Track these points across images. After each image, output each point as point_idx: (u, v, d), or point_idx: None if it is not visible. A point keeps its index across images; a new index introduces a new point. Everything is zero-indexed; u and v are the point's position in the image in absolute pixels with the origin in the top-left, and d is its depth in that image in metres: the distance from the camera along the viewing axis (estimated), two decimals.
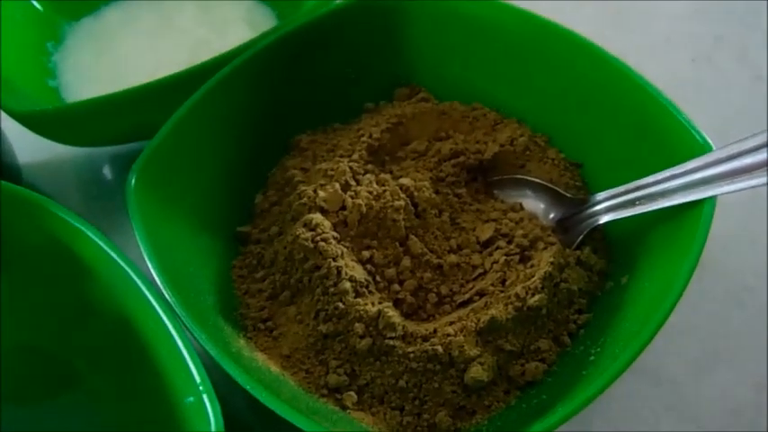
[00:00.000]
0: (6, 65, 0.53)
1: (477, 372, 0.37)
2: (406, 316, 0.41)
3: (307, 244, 0.40)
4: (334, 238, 0.41)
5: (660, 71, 0.46)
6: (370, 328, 0.38)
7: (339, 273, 0.39)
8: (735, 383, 0.44)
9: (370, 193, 0.43)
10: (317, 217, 0.42)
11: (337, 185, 0.43)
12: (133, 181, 0.40)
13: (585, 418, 0.42)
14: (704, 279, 0.45)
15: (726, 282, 0.48)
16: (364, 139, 0.47)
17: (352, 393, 0.38)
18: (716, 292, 0.48)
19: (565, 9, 0.52)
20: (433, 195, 0.44)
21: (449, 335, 0.38)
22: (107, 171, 0.56)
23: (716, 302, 0.47)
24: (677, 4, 0.67)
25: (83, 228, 0.39)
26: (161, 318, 0.35)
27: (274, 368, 0.39)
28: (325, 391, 0.38)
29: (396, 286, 0.42)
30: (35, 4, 0.60)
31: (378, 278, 0.41)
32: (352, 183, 0.44)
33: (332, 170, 0.44)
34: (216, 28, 0.59)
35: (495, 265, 0.42)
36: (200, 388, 0.33)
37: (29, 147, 0.54)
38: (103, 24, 0.62)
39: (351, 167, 0.45)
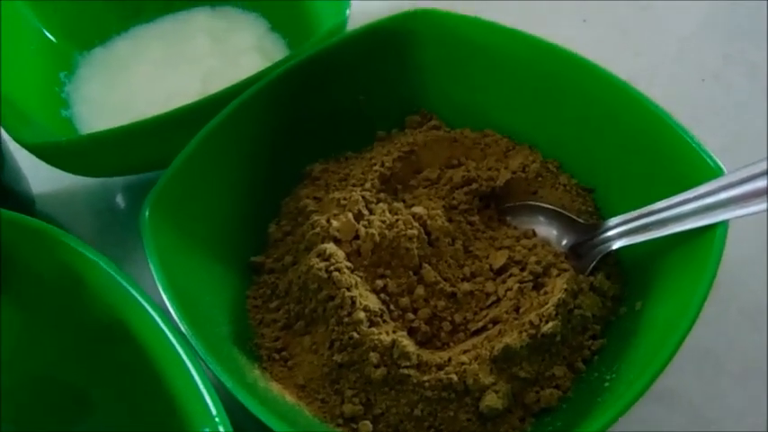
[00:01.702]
0: (20, 95, 0.53)
1: (491, 400, 0.37)
2: (421, 344, 0.41)
3: (321, 274, 0.40)
4: (348, 268, 0.41)
5: (669, 92, 0.47)
6: (385, 358, 0.38)
7: (353, 302, 0.39)
8: (751, 405, 0.44)
9: (383, 222, 0.43)
10: (331, 247, 0.42)
11: (350, 215, 0.43)
12: (147, 212, 0.41)
13: None
14: (718, 300, 0.45)
15: (740, 302, 0.48)
16: (376, 168, 0.47)
17: (368, 423, 0.38)
18: (730, 313, 0.47)
19: (573, 33, 0.52)
20: (446, 223, 0.45)
21: (463, 363, 0.38)
22: (120, 201, 0.57)
23: (730, 324, 0.47)
24: (684, 23, 0.67)
25: (96, 259, 0.38)
26: (176, 349, 0.35)
27: (290, 398, 0.39)
28: (340, 421, 0.38)
29: (410, 315, 0.42)
30: (48, 34, 0.61)
31: (392, 307, 0.41)
32: (365, 212, 0.44)
33: (345, 199, 0.44)
34: (227, 57, 0.59)
35: (508, 293, 0.42)
36: (216, 420, 0.33)
37: (42, 177, 0.54)
38: (115, 54, 0.62)
39: (363, 197, 0.45)
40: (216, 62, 0.59)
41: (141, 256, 0.40)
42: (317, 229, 0.43)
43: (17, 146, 0.49)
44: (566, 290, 0.40)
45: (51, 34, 0.61)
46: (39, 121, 0.53)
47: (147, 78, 0.59)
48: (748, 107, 0.60)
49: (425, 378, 0.38)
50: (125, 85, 0.59)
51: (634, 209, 0.42)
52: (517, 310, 0.41)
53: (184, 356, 0.35)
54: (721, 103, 0.60)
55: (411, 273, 0.43)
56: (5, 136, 0.50)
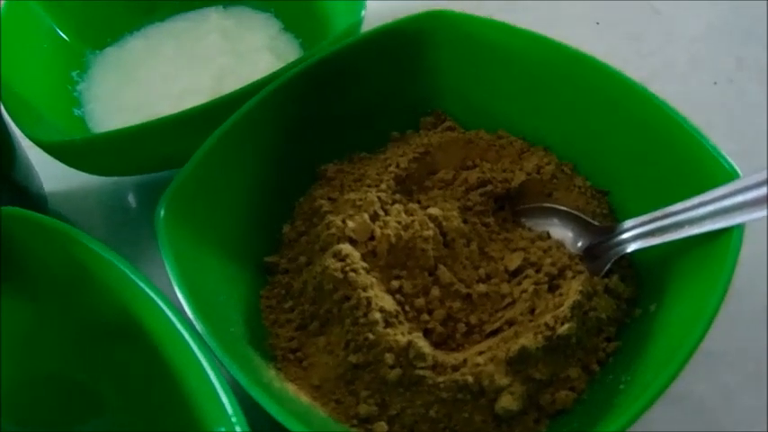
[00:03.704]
0: (33, 94, 0.53)
1: (507, 401, 0.37)
2: (436, 346, 0.40)
3: (336, 275, 0.40)
4: (364, 269, 0.41)
5: (682, 94, 0.46)
6: (401, 359, 0.38)
7: (369, 303, 0.39)
8: (765, 408, 0.44)
9: (399, 223, 0.43)
10: (347, 247, 0.42)
11: (366, 216, 0.43)
12: (162, 212, 0.40)
13: None
14: (732, 302, 0.45)
15: (754, 304, 0.48)
16: (392, 168, 0.47)
17: (383, 423, 0.38)
18: (744, 316, 0.47)
19: (587, 36, 0.52)
20: (462, 225, 0.44)
21: (479, 364, 0.38)
22: (133, 200, 0.57)
23: (745, 326, 0.47)
24: (697, 26, 0.67)
25: (110, 257, 0.38)
26: (191, 347, 0.35)
27: (305, 398, 0.38)
28: (355, 422, 0.38)
29: (425, 316, 0.41)
30: (60, 33, 0.61)
31: (407, 308, 0.41)
32: (381, 213, 0.44)
33: (360, 200, 0.44)
34: (240, 56, 0.59)
35: (523, 294, 0.42)
36: (233, 419, 0.33)
37: (55, 175, 0.54)
38: (127, 53, 0.62)
39: (379, 197, 0.45)
40: (228, 61, 0.59)
41: (154, 254, 0.40)
42: (333, 230, 0.43)
43: (29, 144, 0.49)
44: (581, 292, 0.40)
45: (64, 33, 0.61)
46: (51, 120, 0.54)
47: (160, 77, 0.59)
48: (760, 110, 0.60)
49: (441, 379, 0.37)
50: (137, 84, 0.59)
51: (649, 211, 0.41)
52: (532, 311, 0.41)
53: (200, 355, 0.35)
54: (734, 107, 0.60)
55: (426, 274, 0.43)
56: (18, 134, 0.50)
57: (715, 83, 0.62)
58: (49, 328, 0.41)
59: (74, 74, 0.60)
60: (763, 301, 0.48)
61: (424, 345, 0.39)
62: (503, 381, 0.37)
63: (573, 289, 0.41)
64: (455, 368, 0.38)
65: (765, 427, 0.43)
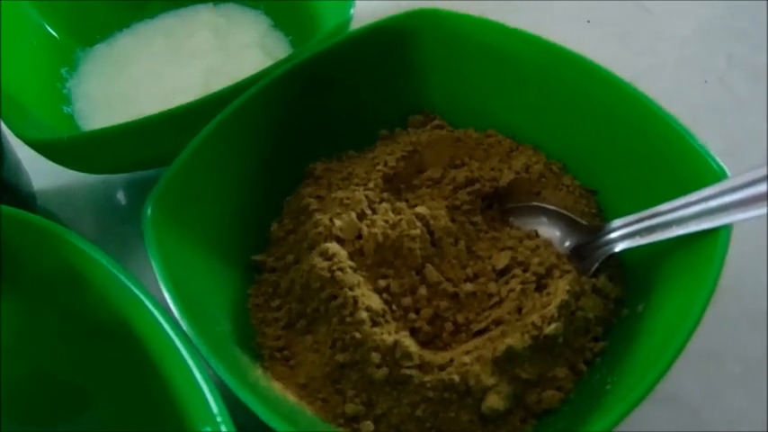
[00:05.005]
0: (21, 91, 0.53)
1: (493, 401, 0.37)
2: (423, 345, 0.40)
3: (323, 273, 0.40)
4: (351, 268, 0.41)
5: (672, 93, 0.46)
6: (387, 358, 0.38)
7: (356, 302, 0.39)
8: (751, 408, 0.44)
9: (387, 221, 0.43)
10: (334, 246, 0.42)
11: (353, 214, 0.43)
12: (149, 210, 0.40)
13: None
14: (720, 302, 0.44)
15: (742, 304, 0.48)
16: (380, 167, 0.47)
17: (369, 423, 0.38)
18: (732, 315, 0.47)
19: (576, 33, 0.52)
20: (449, 224, 0.44)
21: (465, 364, 0.38)
22: (122, 197, 0.56)
23: (732, 326, 0.47)
24: (687, 24, 0.67)
25: (97, 256, 0.38)
26: (177, 347, 0.35)
27: (291, 397, 0.38)
28: (341, 421, 0.38)
29: (412, 315, 0.41)
30: (50, 30, 0.61)
31: (394, 307, 0.41)
32: (368, 212, 0.44)
33: (348, 199, 0.44)
34: (230, 54, 0.59)
35: (511, 294, 0.42)
36: (218, 419, 0.32)
37: (44, 173, 0.54)
38: (117, 50, 0.62)
39: (367, 196, 0.45)
40: (218, 59, 0.59)
41: (142, 253, 0.39)
42: (320, 229, 0.43)
43: (18, 141, 0.49)
44: (568, 291, 0.40)
45: (53, 30, 0.61)
46: (40, 117, 0.53)
47: (149, 75, 0.59)
48: (750, 109, 0.60)
49: (427, 378, 0.37)
50: (127, 82, 0.59)
51: (637, 211, 0.41)
52: (519, 311, 0.41)
53: (186, 355, 0.34)
54: (723, 106, 0.60)
55: (414, 273, 0.43)
56: (6, 131, 0.49)
57: (705, 81, 0.62)
58: (36, 325, 0.41)
59: (63, 71, 0.60)
60: (750, 301, 0.48)
61: (410, 344, 0.39)
62: (489, 380, 0.37)
63: (560, 288, 0.40)
64: (442, 367, 0.38)
65: (752, 428, 0.43)
